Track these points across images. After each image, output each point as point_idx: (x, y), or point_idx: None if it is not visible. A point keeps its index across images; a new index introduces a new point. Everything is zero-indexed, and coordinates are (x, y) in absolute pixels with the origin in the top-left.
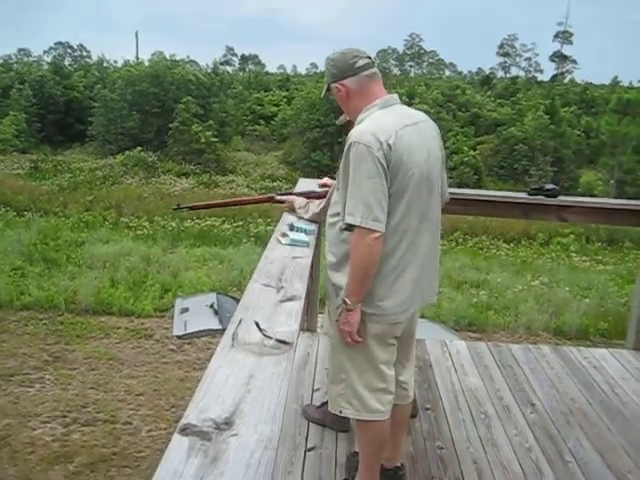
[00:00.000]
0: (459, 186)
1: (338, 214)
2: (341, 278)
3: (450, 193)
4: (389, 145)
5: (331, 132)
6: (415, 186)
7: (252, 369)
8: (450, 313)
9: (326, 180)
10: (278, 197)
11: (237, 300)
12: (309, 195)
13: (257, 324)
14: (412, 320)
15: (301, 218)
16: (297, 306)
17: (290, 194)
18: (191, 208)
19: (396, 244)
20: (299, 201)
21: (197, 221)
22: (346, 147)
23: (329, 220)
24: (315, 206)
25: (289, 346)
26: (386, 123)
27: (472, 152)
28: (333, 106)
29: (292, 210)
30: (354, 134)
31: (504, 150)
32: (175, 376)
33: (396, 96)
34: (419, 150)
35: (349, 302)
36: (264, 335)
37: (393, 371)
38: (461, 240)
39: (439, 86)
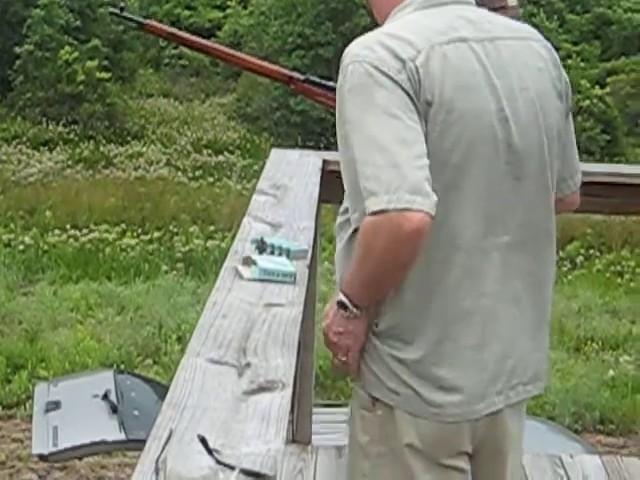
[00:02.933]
0: None
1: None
2: (386, 350)
3: None
4: (416, 67)
5: (327, 57)
6: (472, 157)
7: None
8: (564, 399)
9: None
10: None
11: (153, 384)
12: None
13: (203, 440)
14: (496, 424)
15: (279, 227)
16: (280, 401)
17: (329, 88)
18: (142, 26)
19: (434, 273)
20: None
21: (72, 232)
22: (339, 78)
23: (339, 230)
24: None
25: None
26: (418, 30)
27: (598, 90)
28: (329, 7)
29: None
30: (351, 50)
31: None
32: None
33: None
34: (488, 89)
35: (347, 302)
36: (218, 462)
37: None
38: (581, 259)
39: None
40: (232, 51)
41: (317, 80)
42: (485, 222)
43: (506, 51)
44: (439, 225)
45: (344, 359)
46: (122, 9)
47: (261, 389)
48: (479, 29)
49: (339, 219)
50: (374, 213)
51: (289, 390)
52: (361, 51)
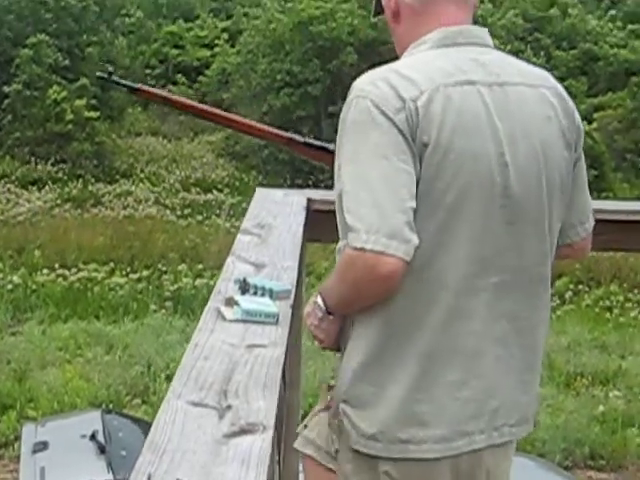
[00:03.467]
0: None
1: None
2: (364, 389)
3: None
4: (416, 108)
5: (316, 95)
6: (466, 199)
7: None
8: (554, 435)
9: None
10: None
11: (141, 423)
12: None
13: None
14: (478, 463)
15: (262, 267)
16: (261, 444)
17: (327, 150)
18: (134, 90)
19: (419, 309)
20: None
21: (60, 271)
22: (343, 110)
23: (337, 254)
24: None
25: None
26: (425, 70)
27: (585, 125)
28: (317, 44)
29: None
30: (357, 84)
31: None
32: None
33: (478, 30)
34: (490, 133)
35: (322, 305)
36: None
37: None
38: (570, 294)
39: (518, 2)
40: (230, 115)
41: (316, 143)
42: (475, 264)
43: (514, 97)
44: (428, 264)
45: (322, 345)
46: (110, 74)
47: (242, 432)
48: (489, 73)
49: (339, 243)
50: (353, 248)
51: (270, 432)
52: (366, 86)
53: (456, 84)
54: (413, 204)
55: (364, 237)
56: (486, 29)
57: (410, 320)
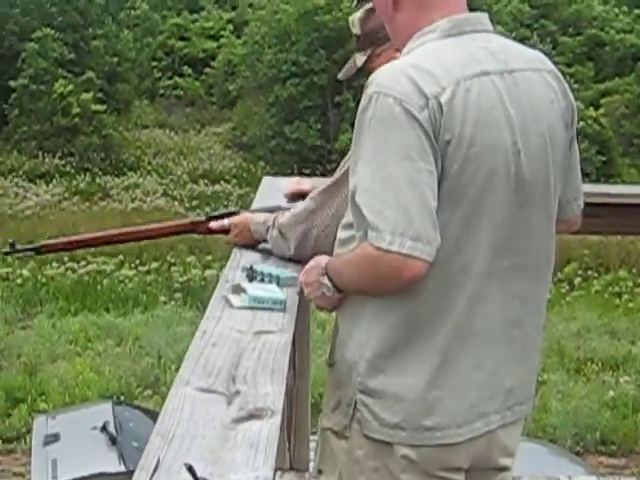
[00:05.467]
0: None
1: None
2: (384, 380)
3: None
4: (439, 104)
5: (322, 84)
6: (487, 190)
7: None
8: (565, 421)
9: (298, 184)
10: (213, 223)
11: (152, 414)
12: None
13: (190, 469)
14: (492, 442)
15: (269, 255)
16: (269, 428)
17: (233, 214)
18: (39, 251)
19: (444, 298)
20: (257, 218)
21: (70, 265)
22: (362, 102)
23: (339, 244)
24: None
25: None
26: (443, 63)
27: (592, 111)
28: (323, 34)
29: (246, 240)
30: (377, 77)
31: None
32: None
33: (482, 17)
34: (505, 123)
35: (330, 286)
36: None
37: None
38: (579, 281)
39: None
40: (129, 229)
41: (222, 214)
42: (492, 249)
43: (523, 83)
44: (452, 257)
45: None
46: (12, 245)
47: (250, 417)
48: (498, 60)
49: (342, 233)
50: (376, 248)
51: (278, 417)
52: (386, 81)
53: (473, 76)
54: (435, 203)
55: (389, 238)
56: (487, 14)
57: (435, 313)
